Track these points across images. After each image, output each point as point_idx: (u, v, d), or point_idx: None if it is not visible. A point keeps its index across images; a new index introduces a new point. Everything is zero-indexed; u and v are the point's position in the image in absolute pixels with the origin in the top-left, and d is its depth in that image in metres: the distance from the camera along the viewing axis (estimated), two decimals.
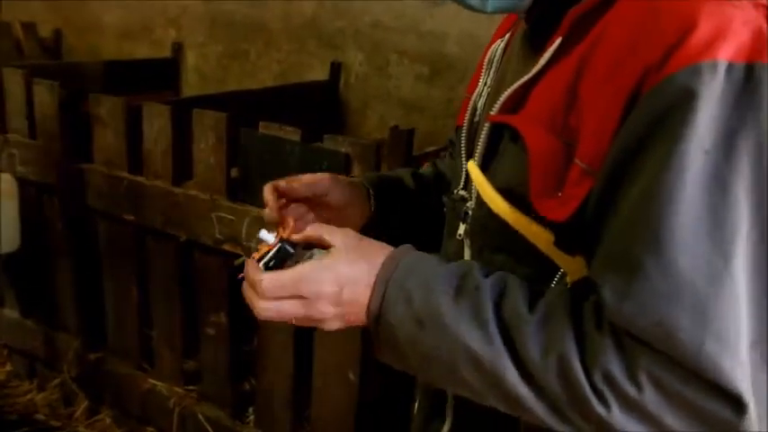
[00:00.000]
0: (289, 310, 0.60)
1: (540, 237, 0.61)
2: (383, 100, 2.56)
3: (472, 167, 0.67)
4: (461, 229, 0.72)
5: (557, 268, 0.61)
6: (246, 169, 1.57)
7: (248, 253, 1.56)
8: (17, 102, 1.93)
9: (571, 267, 0.60)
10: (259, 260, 0.61)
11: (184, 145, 1.64)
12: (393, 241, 0.66)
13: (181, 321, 1.81)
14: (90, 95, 1.78)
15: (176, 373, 1.86)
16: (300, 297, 0.59)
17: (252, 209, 1.56)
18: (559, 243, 0.60)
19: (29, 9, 3.29)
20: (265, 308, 0.60)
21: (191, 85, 2.95)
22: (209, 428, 1.78)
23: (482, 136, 0.68)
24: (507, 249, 0.65)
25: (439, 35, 2.38)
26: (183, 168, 1.68)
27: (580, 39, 0.60)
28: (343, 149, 1.40)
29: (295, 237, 0.64)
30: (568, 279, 0.61)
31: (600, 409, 0.52)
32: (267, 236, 0.64)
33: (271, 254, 0.61)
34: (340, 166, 1.41)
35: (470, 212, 0.71)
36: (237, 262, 1.60)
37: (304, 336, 1.60)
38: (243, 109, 1.62)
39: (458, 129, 0.81)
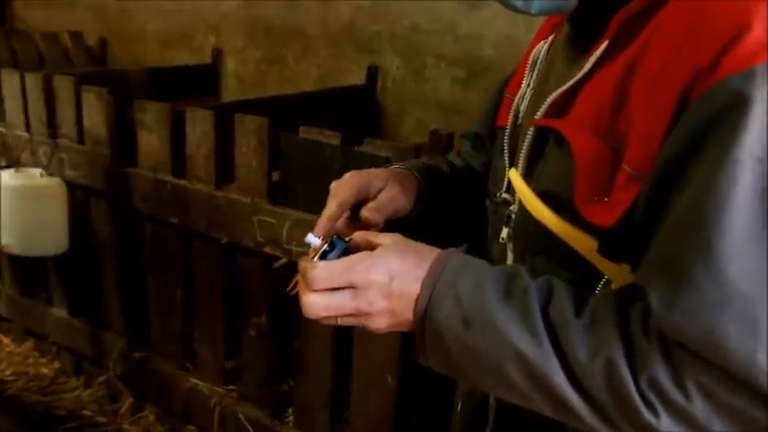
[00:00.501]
0: (338, 302, 0.59)
1: (583, 243, 0.60)
2: (420, 103, 2.57)
3: (514, 175, 0.67)
4: (504, 232, 0.72)
5: (600, 274, 0.61)
6: (287, 173, 1.59)
7: (289, 255, 1.59)
8: (67, 108, 1.99)
9: (615, 274, 0.60)
10: (313, 257, 0.62)
11: (226, 149, 1.67)
12: (429, 233, 0.67)
13: (222, 322, 1.84)
14: (135, 102, 1.82)
15: (217, 372, 1.89)
16: (351, 287, 0.59)
17: (292, 212, 1.58)
18: (603, 249, 0.59)
19: (76, 19, 3.40)
20: (313, 301, 0.59)
21: (230, 91, 3.01)
22: (249, 428, 1.80)
23: (526, 140, 0.67)
24: (549, 254, 0.65)
25: (475, 38, 2.37)
26: (225, 172, 1.71)
27: (628, 42, 0.59)
28: (383, 153, 1.41)
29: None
30: (612, 286, 0.60)
31: (648, 416, 0.52)
32: (314, 239, 0.65)
33: (325, 247, 0.62)
34: None
35: (513, 216, 0.70)
36: (278, 264, 1.62)
37: (343, 338, 1.61)
38: (282, 113, 1.64)
39: (498, 130, 0.81)
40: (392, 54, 2.59)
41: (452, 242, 0.67)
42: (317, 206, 1.45)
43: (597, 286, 0.61)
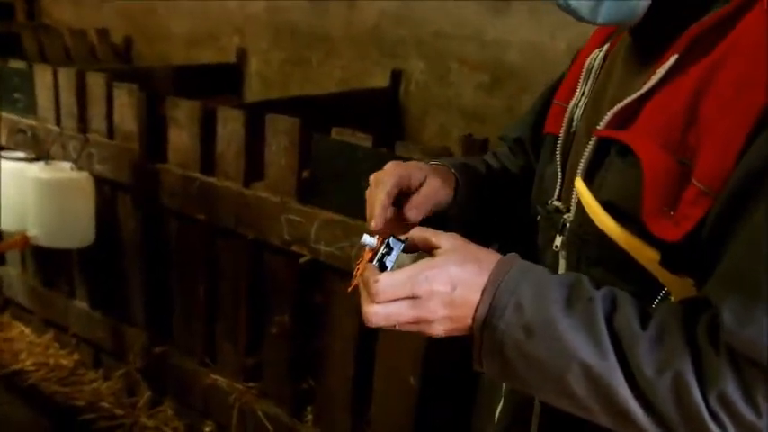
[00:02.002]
0: (398, 311, 0.59)
1: (644, 254, 0.60)
2: (443, 108, 2.57)
3: (580, 185, 0.66)
4: (558, 240, 0.71)
5: (659, 286, 0.60)
6: (318, 173, 1.59)
7: (316, 254, 1.60)
8: (99, 103, 2.01)
9: (675, 287, 0.60)
10: (371, 260, 0.62)
11: (255, 147, 1.68)
12: (465, 232, 0.65)
13: (245, 319, 1.85)
14: (168, 99, 1.84)
15: (238, 369, 1.89)
16: (413, 297, 0.59)
17: (321, 212, 1.59)
18: (665, 261, 0.59)
19: (102, 18, 3.43)
20: (375, 311, 0.59)
21: (253, 90, 3.02)
22: (269, 425, 1.80)
23: (587, 149, 0.67)
24: (607, 264, 0.64)
25: (501, 44, 2.37)
26: (253, 170, 1.72)
27: (699, 56, 0.59)
28: (415, 157, 1.41)
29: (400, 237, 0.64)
30: (672, 298, 0.60)
31: (716, 431, 0.52)
32: (370, 240, 0.64)
33: (382, 250, 0.62)
34: None
35: (568, 224, 0.70)
36: (303, 260, 1.64)
37: (366, 338, 1.62)
38: (304, 113, 1.64)
39: (547, 137, 0.81)
40: (416, 58, 2.60)
41: (483, 243, 0.65)
42: (347, 207, 1.56)
43: (656, 298, 0.61)
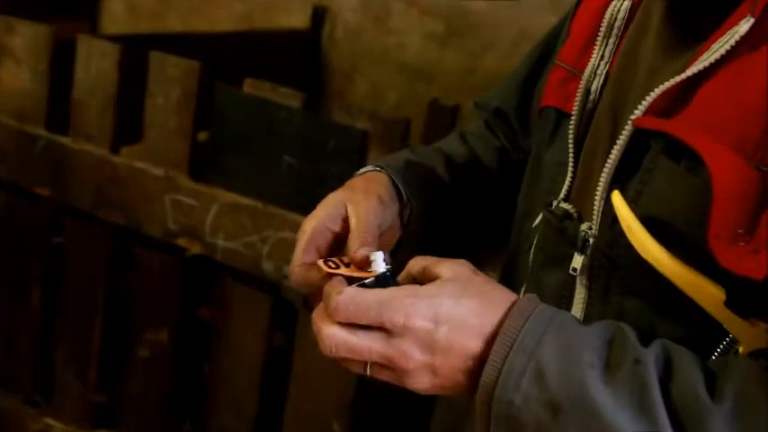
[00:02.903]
0: (363, 343, 0.60)
1: (705, 293, 0.59)
2: (379, 62, 2.60)
3: (619, 201, 0.64)
4: (577, 261, 0.71)
5: (721, 332, 0.60)
6: (220, 139, 1.57)
7: (211, 249, 1.59)
8: None
9: (745, 335, 0.59)
10: (350, 280, 0.65)
11: (130, 98, 1.63)
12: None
13: (100, 338, 1.80)
14: (0, 18, 1.76)
15: (84, 410, 1.84)
16: (382, 328, 0.60)
17: (222, 193, 1.57)
18: (732, 302, 0.58)
19: None
20: (331, 334, 0.60)
21: (115, 18, 2.93)
22: None
23: (618, 143, 0.66)
24: (647, 296, 0.64)
25: None
26: (126, 130, 1.68)
27: None
28: (359, 125, 1.44)
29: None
30: (740, 349, 0.60)
31: None
32: (381, 263, 0.66)
33: (370, 280, 0.64)
34: (353, 146, 1.45)
35: (591, 240, 0.69)
36: (189, 253, 1.63)
37: (275, 368, 1.62)
38: (191, 56, 1.62)
39: (545, 111, 0.81)
40: None
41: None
42: (259, 187, 1.53)
43: (716, 347, 0.61)
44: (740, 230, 0.57)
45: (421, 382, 0.61)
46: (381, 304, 0.60)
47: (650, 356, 0.57)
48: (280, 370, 1.61)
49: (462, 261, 0.65)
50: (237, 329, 1.65)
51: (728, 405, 0.54)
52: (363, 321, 0.60)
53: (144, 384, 1.76)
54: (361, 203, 0.76)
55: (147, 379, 1.75)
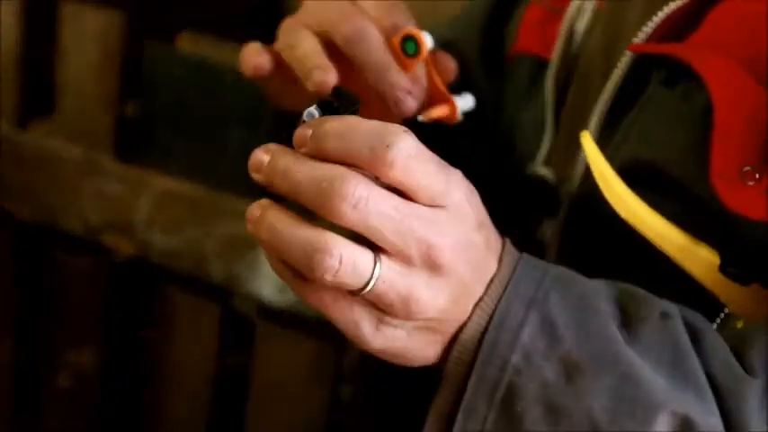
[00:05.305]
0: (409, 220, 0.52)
1: (695, 255, 0.59)
2: None
3: (588, 141, 0.64)
4: (547, 228, 0.73)
5: (716, 305, 0.60)
6: (152, 111, 1.48)
7: (144, 248, 1.50)
8: None
9: (744, 305, 0.59)
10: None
11: (39, 61, 1.55)
12: None
13: (11, 367, 1.67)
14: None
15: None
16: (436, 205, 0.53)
17: (157, 178, 1.46)
18: (728, 266, 0.59)
19: None
20: (376, 196, 0.51)
21: None
22: None
23: (613, 75, 0.66)
24: (627, 265, 0.63)
25: None
26: (34, 100, 1.58)
27: None
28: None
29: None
30: (739, 324, 0.60)
31: None
32: (316, 112, 0.62)
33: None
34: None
35: (565, 203, 0.70)
36: (121, 258, 1.54)
37: (228, 397, 1.54)
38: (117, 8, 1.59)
39: (517, 59, 0.81)
40: None
41: None
42: (203, 171, 1.41)
43: (713, 322, 0.61)
44: (747, 167, 0.57)
45: (425, 310, 0.53)
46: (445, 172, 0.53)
47: (675, 309, 0.56)
48: (233, 395, 1.53)
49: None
50: (180, 348, 1.57)
51: (763, 378, 0.54)
52: (434, 187, 0.52)
53: (59, 420, 1.66)
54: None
55: (63, 413, 1.65)
